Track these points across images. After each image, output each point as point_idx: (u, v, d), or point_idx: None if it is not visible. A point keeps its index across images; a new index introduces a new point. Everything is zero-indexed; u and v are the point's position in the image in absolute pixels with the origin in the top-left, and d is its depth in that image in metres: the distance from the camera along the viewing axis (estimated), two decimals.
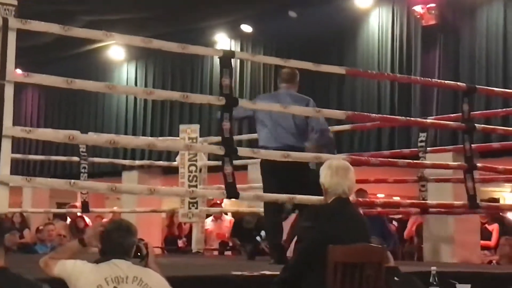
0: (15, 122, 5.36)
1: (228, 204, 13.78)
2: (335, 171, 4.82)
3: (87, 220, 13.02)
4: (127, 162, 13.37)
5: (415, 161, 8.51)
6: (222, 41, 14.38)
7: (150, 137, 12.30)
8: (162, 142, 6.69)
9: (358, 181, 8.01)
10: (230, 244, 11.48)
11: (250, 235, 10.40)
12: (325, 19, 12.62)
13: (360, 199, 7.98)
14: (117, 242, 4.23)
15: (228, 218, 12.20)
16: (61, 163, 15.58)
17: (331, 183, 4.80)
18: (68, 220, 13.40)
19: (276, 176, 7.04)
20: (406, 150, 9.79)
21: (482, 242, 10.64)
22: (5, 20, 5.15)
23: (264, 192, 7.10)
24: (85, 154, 10.30)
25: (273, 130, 7.30)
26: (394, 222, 11.87)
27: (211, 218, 11.81)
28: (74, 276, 4.15)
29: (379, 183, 9.73)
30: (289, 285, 4.72)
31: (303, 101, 7.35)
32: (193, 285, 5.05)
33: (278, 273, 4.87)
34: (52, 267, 4.26)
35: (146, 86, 15.62)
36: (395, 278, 5.28)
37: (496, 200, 16.07)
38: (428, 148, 9.19)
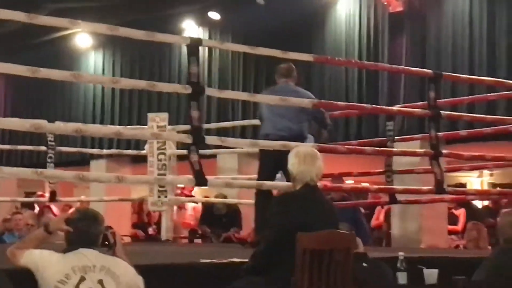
0: None
1: (198, 192, 13.76)
2: (303, 159, 4.85)
3: (55, 209, 12.94)
4: (95, 151, 13.31)
5: (382, 148, 8.55)
6: (190, 28, 14.32)
7: (117, 126, 12.20)
8: (129, 131, 6.67)
9: (323, 175, 8.06)
10: (200, 231, 11.49)
11: (220, 222, 10.44)
12: (293, 6, 12.62)
13: (329, 184, 7.99)
14: (84, 231, 4.21)
15: (191, 206, 12.21)
16: (29, 152, 15.46)
17: (299, 170, 4.84)
18: (37, 209, 13.31)
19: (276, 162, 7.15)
20: (375, 140, 9.84)
21: (449, 227, 10.74)
22: None
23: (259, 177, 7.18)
24: (53, 143, 10.22)
25: (272, 118, 7.49)
26: (362, 210, 11.91)
27: (175, 207, 11.79)
28: (41, 266, 4.13)
29: (344, 176, 9.76)
30: (258, 272, 4.74)
31: (305, 94, 7.66)
32: (162, 273, 5.05)
33: (247, 260, 4.89)
34: (18, 257, 4.23)
35: (113, 74, 15.53)
36: (364, 264, 5.34)
37: (463, 185, 16.23)
38: (396, 137, 9.24)
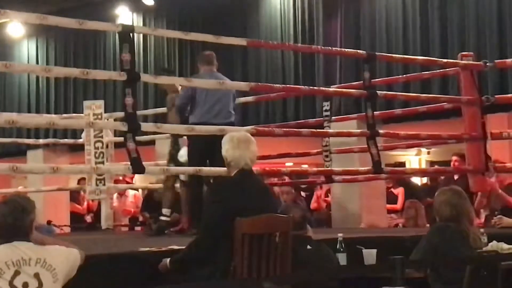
0: None
1: (138, 180, 13.69)
2: (237, 144, 4.85)
3: None
4: (31, 141, 13.12)
5: (318, 130, 8.60)
6: (124, 14, 14.18)
7: (52, 115, 12.04)
8: (64, 121, 6.58)
9: (262, 157, 8.13)
10: (141, 219, 11.42)
11: (161, 208, 10.38)
12: None
13: (267, 168, 8.00)
14: (15, 225, 4.08)
15: (132, 193, 12.14)
16: None
17: (233, 156, 4.83)
18: None
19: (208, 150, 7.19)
20: (312, 120, 9.90)
21: (388, 206, 10.86)
22: None
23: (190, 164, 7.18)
24: None
25: (215, 106, 7.48)
26: (303, 193, 11.98)
27: (116, 195, 11.72)
28: None
29: (283, 157, 9.80)
30: (192, 261, 4.74)
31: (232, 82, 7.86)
32: (101, 263, 5.00)
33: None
34: None
35: (47, 62, 15.31)
36: (308, 247, 5.38)
37: (402, 164, 16.43)
38: (332, 117, 9.30)
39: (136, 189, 12.40)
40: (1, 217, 4.11)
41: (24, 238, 4.09)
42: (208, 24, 12.71)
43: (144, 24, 14.01)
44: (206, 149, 7.01)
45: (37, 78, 15.50)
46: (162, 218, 7.94)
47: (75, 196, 12.72)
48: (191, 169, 6.53)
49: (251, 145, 4.88)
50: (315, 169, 9.21)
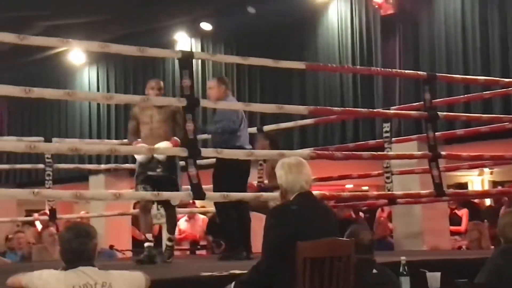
0: None
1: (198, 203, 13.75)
2: (288, 169, 4.84)
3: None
4: (92, 166, 13.28)
5: (379, 152, 8.54)
6: (183, 40, 14.32)
7: (114, 140, 12.17)
8: (125, 147, 6.66)
9: (322, 179, 8.09)
10: (204, 242, 11.47)
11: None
12: (284, 13, 12.60)
13: (327, 193, 7.97)
14: (79, 250, 4.15)
15: (202, 217, 12.19)
16: (27, 170, 15.43)
17: (287, 182, 4.82)
18: (39, 226, 13.28)
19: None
20: (372, 142, 9.84)
21: (452, 227, 10.72)
22: None
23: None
24: (50, 161, 10.21)
25: (244, 131, 7.80)
26: (361, 214, 11.91)
27: (185, 217, 11.80)
28: (41, 286, 4.10)
29: (343, 179, 9.76)
30: (258, 285, 4.73)
31: None
32: None
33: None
34: (20, 280, 4.21)
35: (108, 88, 15.52)
36: (374, 271, 5.33)
37: (464, 185, 16.22)
38: (393, 139, 9.23)
39: (203, 213, 12.45)
40: (66, 243, 4.19)
41: (88, 263, 4.15)
42: (266, 47, 12.75)
43: (202, 49, 14.11)
44: (246, 174, 7.16)
45: (98, 104, 15.71)
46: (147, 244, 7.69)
47: (135, 220, 12.81)
48: (251, 195, 6.53)
49: (303, 168, 4.86)
50: (375, 193, 9.14)
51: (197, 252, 11.72)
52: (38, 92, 5.69)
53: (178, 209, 10.91)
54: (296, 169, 4.84)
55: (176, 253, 10.76)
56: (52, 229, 11.17)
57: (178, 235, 11.09)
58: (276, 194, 6.99)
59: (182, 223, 11.71)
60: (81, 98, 12.52)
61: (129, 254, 11.88)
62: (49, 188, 9.85)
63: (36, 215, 13.90)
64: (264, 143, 8.47)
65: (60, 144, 6.91)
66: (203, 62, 13.84)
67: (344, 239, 4.94)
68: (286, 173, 4.83)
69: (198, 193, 6.16)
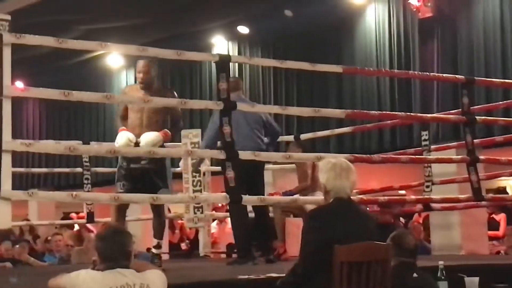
0: (17, 135, 5.37)
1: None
2: (339, 174, 4.78)
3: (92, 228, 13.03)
4: None
5: (417, 156, 8.48)
6: (220, 43, 14.37)
7: None
8: (163, 149, 6.68)
9: (364, 191, 8.02)
10: None
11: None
12: (322, 16, 12.58)
13: (364, 197, 7.94)
14: (116, 252, 4.19)
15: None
16: (65, 173, 15.56)
17: (334, 185, 4.77)
18: (76, 228, 13.40)
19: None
20: (410, 150, 9.75)
21: (490, 232, 10.62)
22: (0, 36, 5.15)
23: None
24: (88, 164, 10.28)
25: (251, 133, 7.59)
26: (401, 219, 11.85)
27: (216, 221, 11.82)
28: (78, 287, 4.13)
29: (385, 191, 9.70)
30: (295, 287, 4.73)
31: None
32: None
33: (283, 275, 4.87)
34: (59, 282, 4.25)
35: None
36: (414, 275, 5.30)
37: (502, 190, 16.05)
38: (431, 147, 9.15)
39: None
40: (103, 245, 4.22)
41: (125, 265, 4.18)
42: (303, 51, 12.76)
43: (239, 53, 14.14)
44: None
45: None
46: None
47: (171, 224, 12.88)
48: (287, 199, 6.52)
49: (352, 175, 4.82)
50: (413, 197, 9.06)
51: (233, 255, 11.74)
52: (77, 95, 5.74)
53: (214, 213, 11.03)
54: (345, 174, 4.79)
55: (211, 256, 10.84)
56: (91, 235, 11.27)
57: (210, 239, 11.13)
58: (311, 198, 7.01)
59: (213, 227, 11.74)
60: (119, 102, 12.54)
61: (165, 257, 11.93)
62: (87, 191, 9.93)
63: (73, 215, 14.04)
64: (297, 151, 8.44)
65: (99, 147, 6.95)
66: (240, 65, 13.88)
67: (382, 243, 4.92)
68: (336, 176, 4.77)
69: (235, 196, 6.15)
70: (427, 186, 8.89)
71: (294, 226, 9.00)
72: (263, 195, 7.39)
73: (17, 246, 10.47)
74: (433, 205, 8.53)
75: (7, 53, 5.22)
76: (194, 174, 10.03)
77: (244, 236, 7.72)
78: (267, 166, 8.75)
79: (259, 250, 7.79)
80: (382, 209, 9.87)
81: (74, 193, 5.69)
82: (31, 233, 13.41)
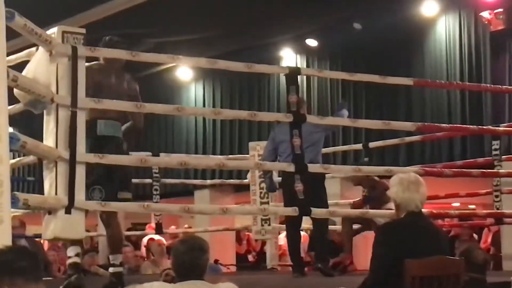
0: None
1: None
2: (407, 186, 4.79)
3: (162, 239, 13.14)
4: (198, 182, 13.47)
5: (489, 170, 8.38)
6: (288, 56, 14.39)
7: (220, 156, 12.35)
8: (232, 162, 6.73)
9: (429, 197, 7.96)
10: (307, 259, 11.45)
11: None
12: (391, 29, 12.52)
13: (435, 211, 7.86)
14: (192, 263, 4.20)
15: (303, 234, 12.18)
16: (134, 184, 15.72)
17: (403, 198, 4.77)
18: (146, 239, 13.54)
19: None
20: (480, 160, 9.64)
21: None
22: (75, 49, 5.25)
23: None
24: (158, 175, 10.40)
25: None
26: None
27: (284, 233, 11.80)
28: None
29: (451, 197, 9.59)
30: None
31: None
32: None
33: None
34: None
35: (214, 104, 15.72)
36: None
37: None
38: (502, 157, 9.03)
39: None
40: (179, 256, 4.24)
41: (199, 277, 4.19)
42: (371, 63, 12.69)
43: (307, 65, 14.14)
44: None
45: (204, 119, 15.93)
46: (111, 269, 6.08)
47: (238, 236, 12.94)
48: (357, 211, 6.49)
49: (420, 187, 4.81)
50: (484, 211, 8.95)
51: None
52: (149, 107, 5.82)
53: (281, 226, 11.02)
54: (414, 187, 4.80)
55: (278, 268, 10.84)
56: (161, 239, 11.37)
57: (278, 251, 11.13)
58: (381, 211, 6.97)
59: (282, 239, 11.73)
60: (190, 113, 12.75)
61: (233, 268, 11.99)
62: (156, 202, 10.03)
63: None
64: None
65: (170, 158, 7.03)
66: (307, 78, 13.88)
67: (453, 257, 4.87)
68: (404, 190, 4.79)
69: (304, 209, 6.15)
70: (496, 196, 8.78)
71: (361, 238, 8.98)
72: (327, 207, 7.35)
73: (86, 256, 10.61)
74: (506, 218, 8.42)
75: (81, 66, 5.32)
76: (262, 186, 10.05)
77: (295, 252, 7.71)
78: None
79: (316, 263, 7.74)
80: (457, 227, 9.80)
81: (146, 203, 5.77)
82: (91, 244, 13.56)
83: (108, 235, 6.19)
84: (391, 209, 7.56)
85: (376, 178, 8.25)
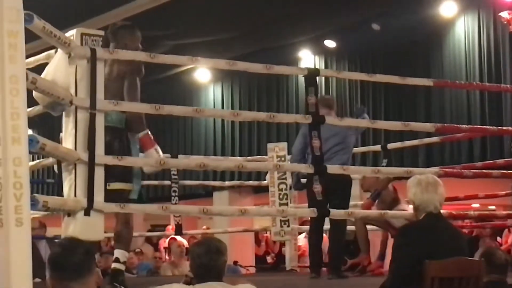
0: None
1: None
2: (425, 188, 4.77)
3: (182, 240, 13.16)
4: (217, 183, 13.48)
5: (509, 171, 8.32)
6: (306, 57, 14.39)
7: (239, 158, 12.33)
8: (251, 163, 6.73)
9: (448, 198, 7.93)
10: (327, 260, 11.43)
11: (348, 248, 10.33)
12: (410, 29, 12.49)
13: (454, 212, 7.83)
14: (209, 265, 4.19)
15: (324, 235, 12.16)
16: (153, 186, 15.77)
17: (422, 200, 4.76)
18: (166, 241, 13.56)
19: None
20: (500, 161, 9.58)
21: None
22: (93, 51, 5.26)
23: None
24: (176, 177, 10.39)
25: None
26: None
27: (304, 234, 11.78)
28: None
29: (470, 199, 9.54)
30: None
31: None
32: None
33: None
34: None
35: (232, 105, 15.74)
36: None
37: None
38: None
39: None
40: (196, 258, 4.24)
41: (217, 279, 4.19)
42: (390, 64, 12.67)
43: (326, 66, 14.13)
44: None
45: (222, 121, 15.95)
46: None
47: (257, 237, 12.95)
48: (376, 213, 6.47)
49: (439, 188, 4.80)
50: (504, 212, 8.90)
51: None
52: (167, 109, 5.82)
53: (301, 227, 11.00)
54: (432, 188, 4.78)
55: (298, 270, 10.82)
56: (181, 240, 11.38)
57: (297, 252, 11.10)
58: (400, 212, 6.94)
59: (302, 240, 11.71)
60: (208, 115, 12.64)
61: (252, 270, 11.99)
62: (175, 203, 10.03)
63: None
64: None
65: (189, 160, 7.02)
66: (326, 79, 13.87)
67: (473, 259, 4.85)
68: (422, 191, 4.77)
69: (323, 210, 6.14)
70: None
71: (377, 237, 8.95)
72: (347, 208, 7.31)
73: (101, 258, 10.63)
74: None
75: (100, 68, 5.32)
76: (281, 187, 10.03)
77: (315, 253, 7.69)
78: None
79: (328, 273, 7.69)
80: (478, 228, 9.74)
81: (165, 205, 5.77)
82: (107, 245, 13.59)
83: (120, 230, 5.82)
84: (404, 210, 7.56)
85: (389, 187, 8.23)
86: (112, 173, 5.45)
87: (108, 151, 5.40)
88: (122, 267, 5.66)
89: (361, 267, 8.42)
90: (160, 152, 5.93)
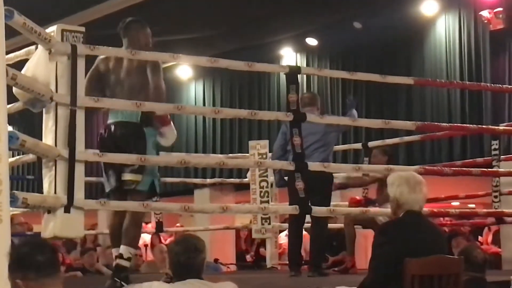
0: (88, 145, 5.45)
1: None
2: (413, 187, 4.76)
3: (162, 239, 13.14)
4: (198, 180, 13.46)
5: (488, 169, 8.38)
6: (288, 55, 14.38)
7: (220, 155, 12.32)
8: (233, 160, 6.73)
9: (428, 199, 7.99)
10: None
11: (331, 246, 10.35)
12: (391, 28, 12.52)
13: (435, 209, 7.86)
14: (187, 264, 4.19)
15: (305, 233, 12.18)
16: None
17: (409, 199, 4.74)
18: (148, 237, 13.52)
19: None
20: (479, 159, 9.64)
21: None
22: (74, 47, 5.25)
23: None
24: (157, 174, 10.35)
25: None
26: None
27: (285, 232, 11.80)
28: None
29: (450, 199, 9.59)
30: None
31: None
32: None
33: None
34: None
35: (214, 103, 15.72)
36: None
37: None
38: (501, 156, 9.03)
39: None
40: (174, 256, 4.24)
41: (197, 276, 4.19)
42: (372, 63, 12.69)
43: (307, 64, 14.14)
44: None
45: (204, 118, 15.92)
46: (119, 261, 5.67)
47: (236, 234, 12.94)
48: (357, 210, 6.48)
49: (423, 188, 4.80)
50: (484, 210, 8.95)
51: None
52: (148, 105, 5.80)
53: (281, 225, 11.01)
54: (419, 187, 4.77)
55: (278, 267, 10.83)
56: (163, 246, 11.36)
57: (278, 250, 11.11)
58: (381, 209, 6.96)
59: (283, 238, 11.72)
60: (190, 112, 12.71)
61: (233, 267, 11.98)
62: (156, 201, 9.99)
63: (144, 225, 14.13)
64: (382, 159, 8.29)
65: (170, 157, 7.01)
66: (307, 77, 13.87)
67: (453, 256, 4.87)
68: (410, 191, 4.74)
69: (305, 208, 6.15)
70: (496, 197, 8.78)
71: (362, 237, 8.96)
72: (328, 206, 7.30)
73: (85, 255, 10.60)
74: (506, 218, 8.42)
75: (81, 64, 5.31)
76: (262, 184, 10.03)
77: (294, 250, 7.70)
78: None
79: (309, 271, 7.69)
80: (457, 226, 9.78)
81: (146, 202, 5.75)
82: (93, 243, 13.57)
83: (128, 227, 5.75)
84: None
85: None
86: (126, 164, 5.62)
87: (124, 147, 5.63)
88: (125, 263, 5.58)
89: (344, 268, 8.42)
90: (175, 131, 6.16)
